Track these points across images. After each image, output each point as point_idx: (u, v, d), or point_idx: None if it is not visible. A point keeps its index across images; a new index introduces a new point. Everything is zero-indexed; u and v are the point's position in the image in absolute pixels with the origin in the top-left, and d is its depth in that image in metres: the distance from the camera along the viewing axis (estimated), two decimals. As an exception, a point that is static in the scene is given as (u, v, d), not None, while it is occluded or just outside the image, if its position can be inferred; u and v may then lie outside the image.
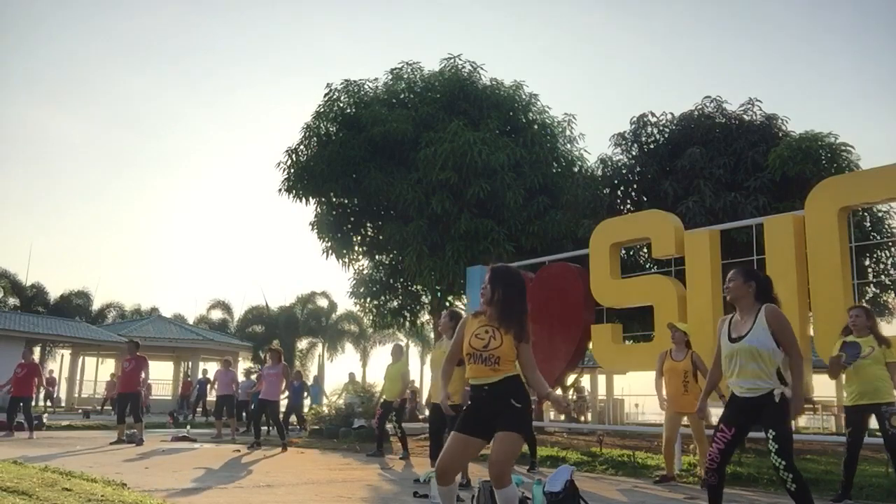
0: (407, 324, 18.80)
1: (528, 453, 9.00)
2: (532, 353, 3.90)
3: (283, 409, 18.90)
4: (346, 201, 17.58)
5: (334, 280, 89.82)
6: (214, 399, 15.89)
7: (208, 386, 24.17)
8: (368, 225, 18.05)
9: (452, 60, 17.31)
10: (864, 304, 7.29)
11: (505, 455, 3.70)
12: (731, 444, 4.37)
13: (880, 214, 12.12)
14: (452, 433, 3.87)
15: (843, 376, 6.40)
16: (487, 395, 3.84)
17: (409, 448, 10.63)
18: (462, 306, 16.36)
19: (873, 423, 6.25)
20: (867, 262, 12.28)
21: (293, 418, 17.73)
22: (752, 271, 4.65)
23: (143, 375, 12.14)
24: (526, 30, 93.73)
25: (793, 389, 4.23)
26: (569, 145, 17.62)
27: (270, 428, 15.18)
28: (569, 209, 14.34)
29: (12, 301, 34.70)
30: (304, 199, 17.20)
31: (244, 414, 16.94)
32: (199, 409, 23.40)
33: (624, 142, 13.64)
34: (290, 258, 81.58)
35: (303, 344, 37.95)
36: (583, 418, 23.17)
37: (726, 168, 11.97)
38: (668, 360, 7.77)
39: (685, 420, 7.75)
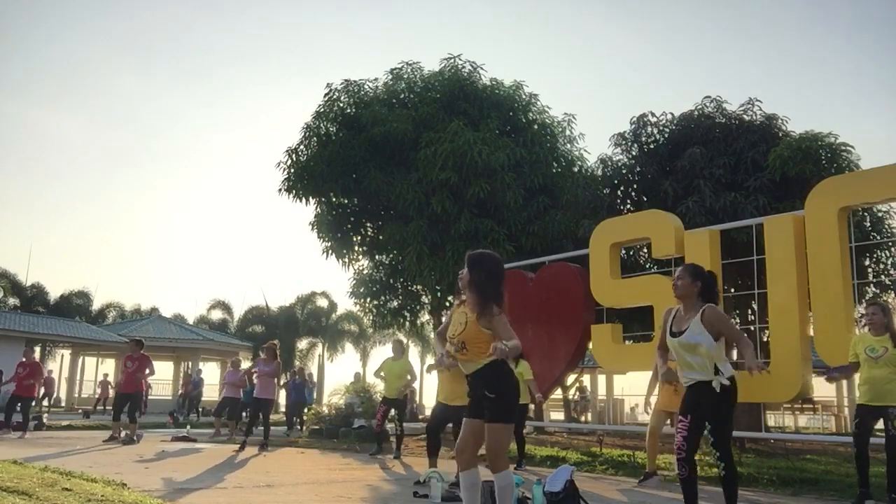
0: (407, 324, 18.80)
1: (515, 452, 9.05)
2: (506, 325, 4.01)
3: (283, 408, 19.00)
4: (346, 201, 17.57)
5: (334, 280, 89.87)
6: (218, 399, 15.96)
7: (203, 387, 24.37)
8: (368, 225, 18.05)
9: (452, 60, 17.30)
10: (882, 301, 7.22)
11: (491, 446, 3.95)
12: (693, 432, 4.63)
13: (880, 214, 12.10)
14: (465, 417, 4.15)
15: (857, 374, 6.37)
16: (471, 383, 4.12)
17: (402, 449, 10.62)
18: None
19: (879, 423, 6.24)
20: (867, 262, 12.27)
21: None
22: (699, 270, 4.86)
23: (146, 375, 12.16)
24: (526, 30, 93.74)
25: (747, 359, 4.50)
26: (569, 145, 17.61)
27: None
28: (569, 209, 14.32)
29: (12, 301, 34.72)
30: (304, 199, 17.20)
31: (243, 414, 16.94)
32: (200, 409, 23.46)
33: (624, 142, 13.62)
34: (290, 258, 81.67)
35: (303, 344, 37.98)
36: (583, 418, 23.19)
37: (726, 168, 11.96)
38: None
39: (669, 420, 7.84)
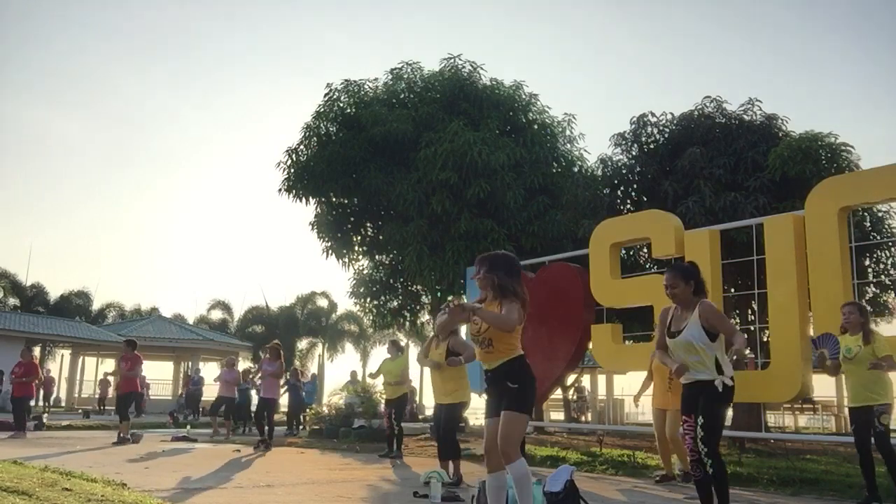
0: (407, 324, 18.81)
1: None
2: (510, 311, 4.00)
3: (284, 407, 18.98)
4: (346, 201, 17.57)
5: (334, 280, 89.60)
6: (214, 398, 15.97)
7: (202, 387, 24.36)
8: (368, 225, 18.04)
9: (452, 60, 17.30)
10: (856, 301, 7.26)
11: (505, 433, 3.94)
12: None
13: (880, 214, 12.11)
14: (486, 419, 4.21)
15: (843, 376, 6.36)
16: (490, 379, 4.15)
17: (401, 448, 10.63)
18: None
19: None
20: (867, 262, 12.27)
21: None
22: (688, 270, 4.84)
23: (139, 374, 12.21)
24: (526, 30, 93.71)
25: (736, 343, 4.54)
26: (569, 145, 17.61)
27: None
28: (569, 209, 14.32)
29: (12, 301, 34.71)
30: (304, 199, 17.20)
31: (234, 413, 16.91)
32: (200, 409, 23.46)
33: (624, 142, 13.62)
34: (290, 258, 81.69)
35: (303, 344, 37.94)
36: (583, 418, 23.17)
37: (726, 168, 11.96)
38: (655, 360, 7.95)
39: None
